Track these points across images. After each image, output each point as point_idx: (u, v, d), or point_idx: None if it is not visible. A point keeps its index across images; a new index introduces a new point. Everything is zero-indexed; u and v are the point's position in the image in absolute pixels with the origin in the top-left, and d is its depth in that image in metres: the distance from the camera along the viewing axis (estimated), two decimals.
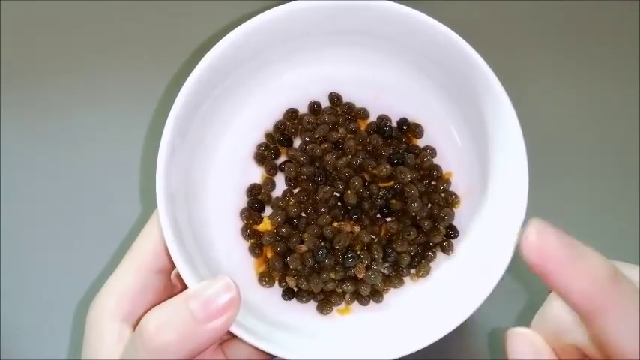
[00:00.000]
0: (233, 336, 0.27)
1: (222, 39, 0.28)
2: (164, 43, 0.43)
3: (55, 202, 0.41)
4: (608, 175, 0.42)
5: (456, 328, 0.27)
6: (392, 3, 0.28)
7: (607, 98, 0.43)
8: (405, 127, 0.33)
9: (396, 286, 0.31)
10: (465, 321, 0.27)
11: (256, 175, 0.33)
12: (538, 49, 0.44)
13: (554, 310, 0.23)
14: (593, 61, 0.44)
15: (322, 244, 0.31)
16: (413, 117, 0.33)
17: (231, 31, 0.28)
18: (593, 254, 0.20)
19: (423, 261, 0.31)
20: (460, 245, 0.31)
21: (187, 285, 0.26)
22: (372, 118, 0.33)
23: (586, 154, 0.42)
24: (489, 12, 0.44)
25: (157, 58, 0.43)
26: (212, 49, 0.28)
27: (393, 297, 0.31)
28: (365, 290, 0.31)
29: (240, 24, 0.28)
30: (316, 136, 0.32)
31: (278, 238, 0.32)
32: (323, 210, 0.31)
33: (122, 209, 0.40)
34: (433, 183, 0.32)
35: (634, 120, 0.43)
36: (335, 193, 0.32)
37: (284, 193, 0.32)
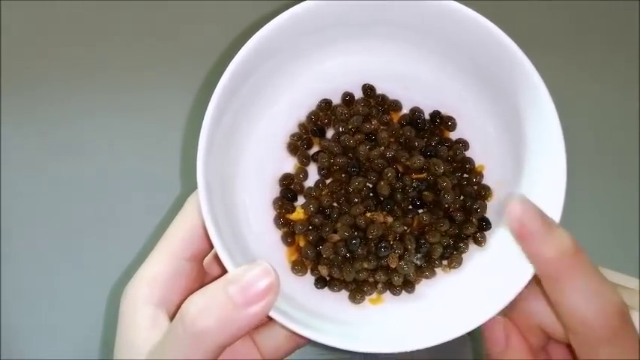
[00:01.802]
0: (262, 324, 0.27)
1: (260, 29, 0.28)
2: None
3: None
4: (607, 175, 0.42)
5: None
6: None
7: (605, 98, 0.43)
8: (437, 120, 0.33)
9: (427, 277, 0.31)
10: None
11: (289, 164, 0.33)
12: (536, 49, 0.44)
13: (527, 298, 0.28)
14: (591, 60, 0.44)
15: (355, 233, 0.31)
16: (445, 109, 0.33)
17: (267, 22, 0.28)
18: (562, 231, 0.25)
19: (455, 252, 0.31)
20: (492, 237, 0.31)
21: (227, 269, 0.26)
22: (405, 110, 0.33)
23: (586, 154, 0.42)
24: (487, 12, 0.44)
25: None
26: (249, 41, 0.28)
27: (425, 287, 0.32)
28: (397, 280, 0.31)
29: (274, 16, 0.28)
30: (349, 127, 0.33)
31: (310, 228, 0.32)
32: (356, 200, 0.32)
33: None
34: (466, 175, 0.32)
35: (634, 120, 0.43)
36: (367, 184, 0.32)
37: (317, 183, 0.33)
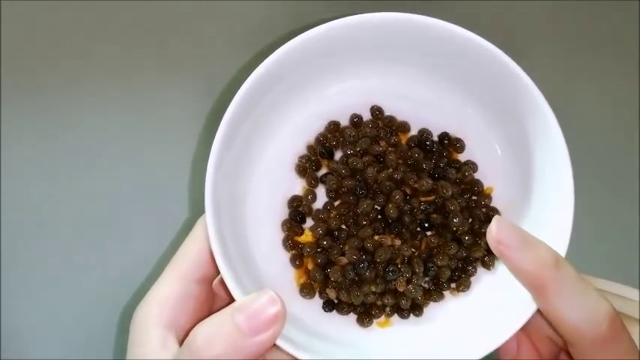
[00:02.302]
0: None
1: (271, 54, 0.29)
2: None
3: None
4: (607, 176, 0.42)
5: None
6: (438, 21, 0.29)
7: (605, 98, 0.43)
8: (446, 142, 0.33)
9: (436, 300, 0.31)
10: None
11: (297, 186, 0.33)
12: (535, 49, 0.44)
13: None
14: (592, 60, 0.43)
15: (363, 256, 0.31)
16: (454, 131, 0.33)
17: (278, 47, 0.29)
18: (540, 244, 0.26)
19: (463, 276, 0.31)
20: (501, 261, 0.31)
21: (234, 297, 0.27)
22: (413, 131, 0.33)
23: (585, 155, 0.42)
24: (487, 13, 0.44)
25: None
26: (259, 66, 0.29)
27: (433, 310, 0.32)
28: (405, 304, 0.31)
29: (288, 39, 0.29)
30: (357, 149, 0.33)
31: (319, 250, 0.32)
32: (364, 223, 0.32)
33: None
34: (474, 198, 0.32)
35: (634, 120, 0.42)
36: (375, 206, 0.32)
37: (325, 205, 0.33)
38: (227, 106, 0.28)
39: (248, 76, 0.28)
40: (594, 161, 0.43)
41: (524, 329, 0.28)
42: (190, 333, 0.25)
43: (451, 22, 0.29)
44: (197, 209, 0.40)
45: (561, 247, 0.27)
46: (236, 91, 0.28)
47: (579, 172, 0.41)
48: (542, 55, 0.44)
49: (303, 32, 0.29)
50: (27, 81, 0.43)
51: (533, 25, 0.44)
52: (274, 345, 0.27)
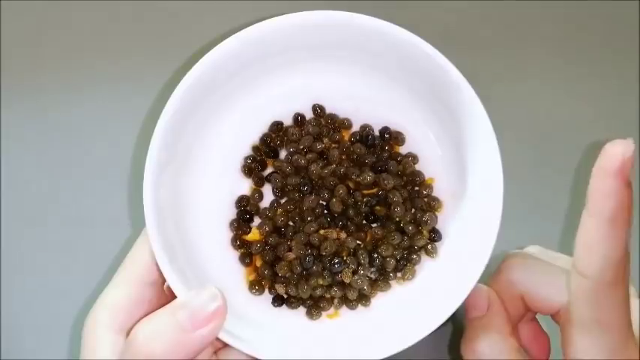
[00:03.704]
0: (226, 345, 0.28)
1: (203, 57, 0.29)
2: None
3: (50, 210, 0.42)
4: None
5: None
6: (370, 18, 0.29)
7: (605, 98, 0.44)
8: (387, 136, 0.34)
9: (383, 290, 0.32)
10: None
11: (244, 186, 0.34)
12: (529, 49, 0.45)
13: (510, 266, 0.29)
14: (591, 60, 0.44)
15: (309, 251, 0.32)
16: (395, 125, 0.34)
17: (218, 44, 0.29)
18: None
19: (408, 264, 0.32)
20: (443, 248, 0.32)
21: (176, 295, 0.27)
22: (355, 127, 0.34)
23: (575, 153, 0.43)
24: (479, 11, 0.45)
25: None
26: (194, 68, 0.29)
27: (380, 300, 0.32)
28: (352, 295, 0.32)
29: (229, 36, 0.29)
30: (301, 147, 0.33)
31: (267, 247, 0.33)
32: (309, 218, 0.32)
33: (115, 222, 0.41)
34: (416, 188, 0.33)
35: (633, 123, 0.43)
36: (321, 202, 0.33)
37: (271, 203, 0.33)
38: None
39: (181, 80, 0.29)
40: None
41: (496, 289, 0.29)
42: (132, 331, 0.26)
43: (391, 21, 0.30)
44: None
45: (488, 243, 0.28)
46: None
47: (578, 172, 0.42)
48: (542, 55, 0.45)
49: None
50: (27, 81, 0.43)
51: (534, 23, 0.45)
52: (228, 345, 0.28)
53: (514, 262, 0.29)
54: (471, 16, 0.45)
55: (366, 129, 0.34)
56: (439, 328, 0.27)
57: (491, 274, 0.30)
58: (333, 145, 0.34)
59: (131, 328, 0.29)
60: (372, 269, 0.32)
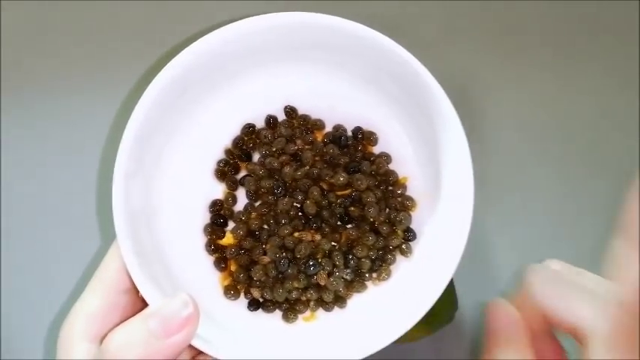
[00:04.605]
0: None
1: (171, 61, 0.29)
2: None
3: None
4: (606, 177, 0.43)
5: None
6: (342, 20, 0.29)
7: (605, 99, 0.44)
8: (360, 136, 0.34)
9: (358, 291, 0.32)
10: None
11: (218, 190, 0.34)
12: (529, 49, 0.45)
13: (530, 282, 0.28)
14: (591, 61, 0.45)
15: (284, 254, 0.32)
16: (367, 125, 0.34)
17: (192, 42, 0.29)
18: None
19: (383, 265, 0.32)
20: (418, 247, 0.32)
21: (148, 302, 0.27)
22: (328, 128, 0.34)
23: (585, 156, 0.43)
24: (479, 10, 0.45)
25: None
26: (162, 71, 0.29)
27: (356, 300, 0.32)
28: (328, 297, 0.32)
29: (201, 36, 0.29)
30: (274, 149, 0.33)
31: (241, 251, 0.32)
32: (284, 221, 0.32)
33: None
34: (390, 188, 0.33)
35: (634, 121, 0.43)
36: (295, 204, 0.33)
37: (245, 207, 0.33)
38: None
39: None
40: (597, 161, 0.43)
41: (517, 302, 0.28)
42: (104, 340, 0.25)
43: (358, 21, 0.30)
44: None
45: (460, 242, 0.28)
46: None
47: (579, 171, 0.42)
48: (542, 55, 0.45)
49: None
50: (27, 81, 0.43)
51: (534, 23, 0.45)
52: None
53: (537, 277, 0.28)
54: (473, 14, 0.45)
55: (339, 130, 0.34)
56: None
57: (514, 288, 0.29)
58: (307, 147, 0.34)
59: (105, 336, 0.29)
60: (348, 270, 0.32)
